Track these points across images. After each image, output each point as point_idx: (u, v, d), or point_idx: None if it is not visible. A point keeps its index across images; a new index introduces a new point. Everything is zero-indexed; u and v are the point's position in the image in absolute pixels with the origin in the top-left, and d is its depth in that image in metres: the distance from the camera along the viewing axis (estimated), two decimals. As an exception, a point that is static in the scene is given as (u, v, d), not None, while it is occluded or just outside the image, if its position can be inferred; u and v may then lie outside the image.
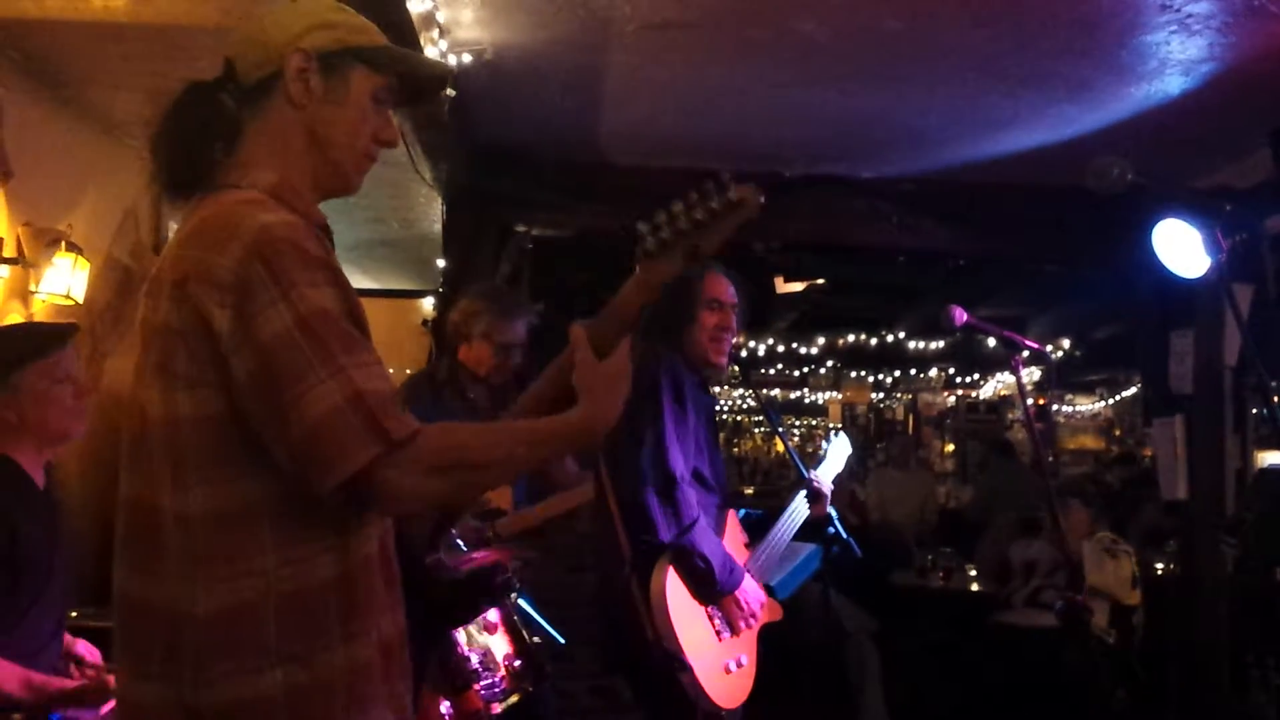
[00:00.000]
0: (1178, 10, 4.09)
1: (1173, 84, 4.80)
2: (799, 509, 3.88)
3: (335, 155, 1.90)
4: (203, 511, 1.68)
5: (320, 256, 1.70)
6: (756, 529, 3.88)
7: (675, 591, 3.33)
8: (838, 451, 4.21)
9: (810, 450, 21.01)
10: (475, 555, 3.13)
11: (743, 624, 3.50)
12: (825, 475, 4.02)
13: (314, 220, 1.86)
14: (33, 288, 4.54)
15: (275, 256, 1.65)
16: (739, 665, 3.47)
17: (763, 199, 1.91)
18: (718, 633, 3.44)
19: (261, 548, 1.68)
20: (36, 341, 2.98)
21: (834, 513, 3.94)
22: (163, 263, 1.78)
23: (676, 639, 3.26)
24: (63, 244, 4.51)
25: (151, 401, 1.73)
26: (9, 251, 4.42)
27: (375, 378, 1.67)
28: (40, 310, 4.66)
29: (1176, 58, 4.52)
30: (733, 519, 3.73)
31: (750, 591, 3.51)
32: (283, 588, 1.68)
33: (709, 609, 3.44)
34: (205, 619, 1.66)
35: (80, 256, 4.56)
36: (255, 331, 1.63)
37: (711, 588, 3.41)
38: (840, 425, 19.47)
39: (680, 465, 3.43)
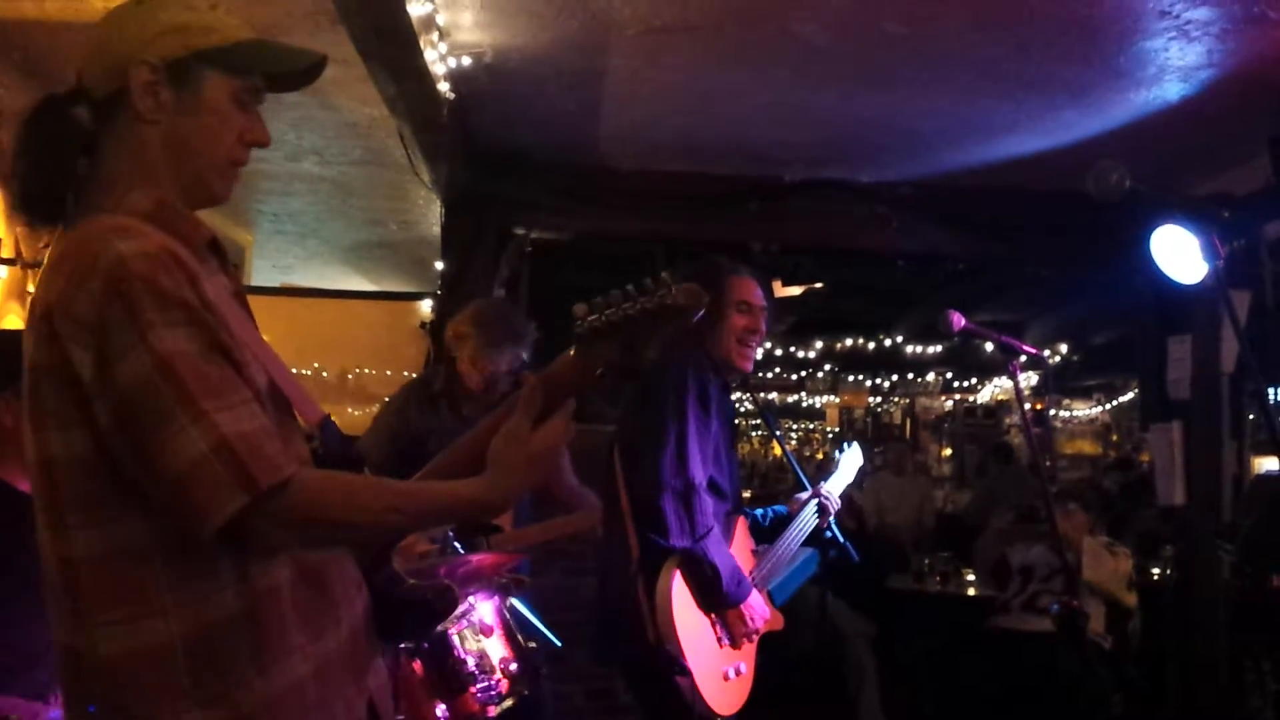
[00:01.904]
0: (1176, 17, 4.09)
1: (1171, 90, 4.81)
2: (808, 518, 3.85)
3: (196, 167, 1.80)
4: (85, 554, 1.64)
5: (175, 292, 1.61)
6: (769, 533, 3.87)
7: (680, 595, 3.32)
8: (849, 462, 4.17)
9: (808, 454, 21.03)
10: (473, 559, 3.13)
11: (744, 638, 3.49)
12: (835, 487, 3.99)
13: (196, 240, 1.79)
14: (31, 288, 4.54)
15: (132, 295, 1.58)
16: (737, 673, 3.45)
17: (706, 300, 1.85)
18: (719, 639, 3.43)
19: (156, 588, 1.63)
20: None
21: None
22: (36, 292, 1.72)
23: (678, 642, 3.25)
24: (61, 245, 4.51)
25: (31, 441, 1.68)
26: (7, 252, 4.43)
27: (244, 418, 1.61)
28: (38, 311, 4.67)
29: (1175, 64, 4.53)
30: (742, 525, 3.71)
31: (755, 606, 3.49)
32: (184, 628, 1.63)
33: (712, 614, 3.44)
34: (110, 661, 1.63)
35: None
36: (115, 377, 1.57)
37: (718, 598, 3.40)
38: (838, 429, 19.50)
39: (699, 472, 3.40)
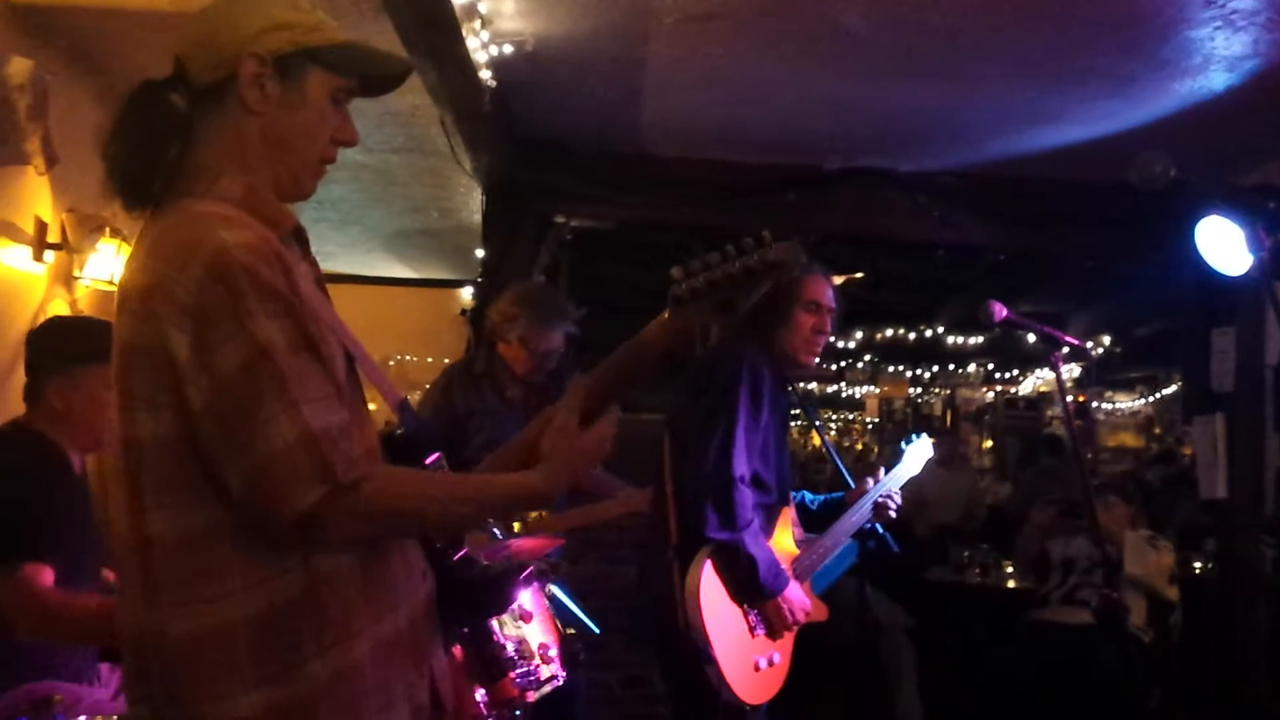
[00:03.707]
0: (1222, 6, 4.05)
1: (1217, 80, 4.76)
2: (863, 514, 3.78)
3: (292, 160, 1.86)
4: (164, 535, 1.68)
5: (274, 285, 1.66)
6: (820, 519, 3.85)
7: (710, 585, 3.33)
8: (916, 454, 4.08)
9: (846, 445, 20.96)
10: (511, 543, 3.14)
11: (783, 630, 3.48)
12: (897, 480, 3.92)
13: (284, 226, 1.83)
14: (77, 273, 4.59)
15: (234, 283, 1.63)
16: (770, 663, 3.45)
17: (804, 259, 1.88)
18: (751, 629, 3.43)
19: (226, 570, 1.67)
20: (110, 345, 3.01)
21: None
22: (128, 274, 1.77)
23: (705, 632, 3.26)
24: (106, 230, 4.56)
25: (119, 420, 1.72)
26: (54, 237, 4.48)
27: (328, 412, 1.66)
28: (83, 296, 4.72)
29: (1221, 54, 4.48)
30: (786, 516, 3.69)
31: (794, 598, 3.48)
32: (250, 610, 1.67)
33: (745, 605, 3.44)
34: (177, 643, 1.67)
35: (123, 243, 4.61)
36: (213, 363, 1.62)
37: (755, 589, 3.40)
38: (877, 419, 19.41)
39: (743, 466, 3.40)
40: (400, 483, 1.77)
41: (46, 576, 2.76)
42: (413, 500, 1.76)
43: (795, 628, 3.53)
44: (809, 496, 4.00)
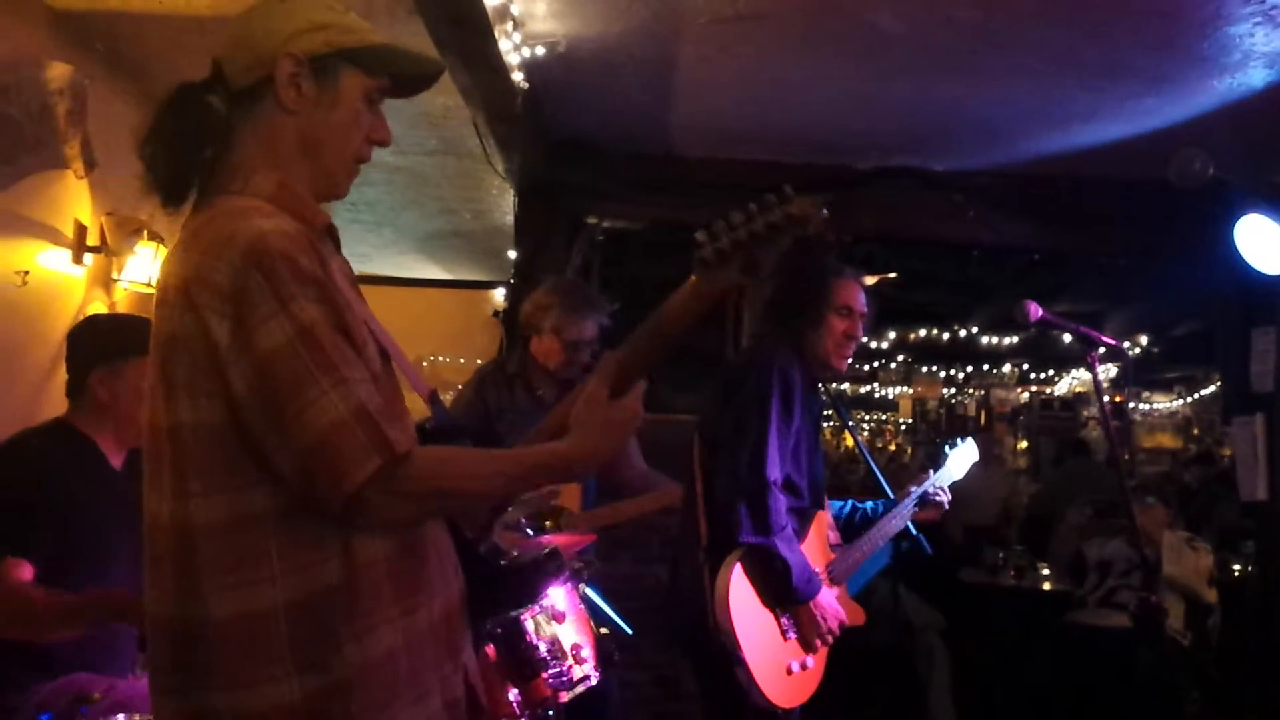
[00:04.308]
0: (1263, 1, 4.01)
1: (1256, 77, 4.70)
2: (903, 516, 3.76)
3: (327, 159, 1.89)
4: (206, 520, 1.70)
5: (312, 271, 1.70)
6: (860, 527, 3.82)
7: (739, 588, 3.32)
8: (961, 457, 4.03)
9: (879, 446, 20.90)
10: (543, 539, 3.14)
11: (817, 639, 3.44)
12: (943, 481, 3.89)
13: (316, 224, 1.86)
14: (115, 276, 4.63)
15: (272, 268, 1.66)
16: (803, 667, 3.43)
17: (825, 213, 1.89)
18: (783, 632, 3.41)
19: (267, 555, 1.69)
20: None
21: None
22: (166, 270, 1.79)
23: (734, 634, 3.25)
24: (144, 233, 4.59)
25: (157, 411, 1.75)
26: (93, 240, 4.51)
27: (372, 394, 1.69)
28: (122, 298, 4.76)
29: (1261, 50, 4.43)
30: (820, 521, 3.67)
31: (827, 605, 3.45)
32: (290, 595, 1.69)
33: (776, 609, 3.42)
34: (220, 626, 1.69)
35: (161, 246, 4.64)
36: (255, 344, 1.64)
37: (788, 594, 3.38)
38: (911, 420, 19.34)
39: (776, 471, 3.39)
40: (442, 460, 1.79)
41: (24, 571, 2.78)
42: (454, 477, 1.78)
43: (830, 640, 3.50)
44: (858, 505, 3.97)
